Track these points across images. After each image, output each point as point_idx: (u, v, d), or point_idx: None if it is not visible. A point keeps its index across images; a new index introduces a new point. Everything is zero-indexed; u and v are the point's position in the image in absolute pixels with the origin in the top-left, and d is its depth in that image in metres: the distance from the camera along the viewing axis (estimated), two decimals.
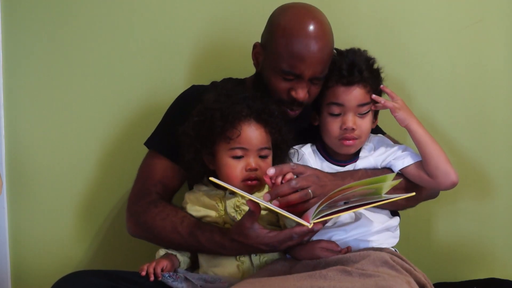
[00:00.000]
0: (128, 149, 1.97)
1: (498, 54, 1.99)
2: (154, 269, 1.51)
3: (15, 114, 2.01)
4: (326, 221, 1.43)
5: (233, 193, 1.56)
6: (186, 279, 1.52)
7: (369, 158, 1.62)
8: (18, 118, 2.02)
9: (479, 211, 2.02)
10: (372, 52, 1.64)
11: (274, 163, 1.57)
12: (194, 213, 1.59)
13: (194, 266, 1.63)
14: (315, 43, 1.56)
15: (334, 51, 1.64)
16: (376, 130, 1.74)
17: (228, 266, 1.54)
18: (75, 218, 2.04)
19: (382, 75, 1.65)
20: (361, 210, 1.55)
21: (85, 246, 2.04)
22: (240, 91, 1.58)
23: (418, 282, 1.38)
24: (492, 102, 2.00)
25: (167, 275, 1.51)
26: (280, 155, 1.60)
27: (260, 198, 1.45)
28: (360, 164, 1.62)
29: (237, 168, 1.53)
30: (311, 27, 1.57)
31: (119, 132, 2.01)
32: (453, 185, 1.57)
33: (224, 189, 1.55)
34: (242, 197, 1.54)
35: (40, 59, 2.00)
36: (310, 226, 1.37)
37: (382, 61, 1.67)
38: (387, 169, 1.62)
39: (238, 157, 1.53)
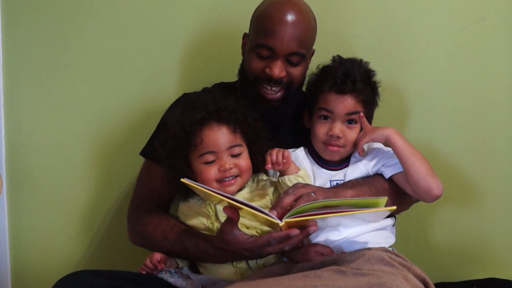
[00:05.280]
0: (128, 149, 1.97)
1: (498, 54, 1.99)
2: (152, 262, 1.52)
3: (15, 114, 2.01)
4: (306, 227, 1.38)
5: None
6: (188, 278, 1.52)
7: (359, 166, 1.63)
8: (18, 118, 2.02)
9: (479, 211, 2.02)
10: (372, 52, 1.64)
11: (253, 157, 1.57)
12: (187, 221, 1.60)
13: (192, 267, 1.63)
14: (287, 18, 1.61)
15: (336, 57, 1.66)
16: None
17: (226, 274, 1.54)
18: (75, 218, 2.04)
19: (385, 81, 1.65)
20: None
21: (85, 246, 2.04)
22: (204, 97, 1.57)
23: (417, 276, 1.37)
24: (492, 102, 2.00)
25: (173, 271, 1.53)
26: (256, 149, 1.58)
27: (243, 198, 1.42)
28: (350, 172, 1.62)
29: (210, 171, 1.52)
30: (286, 6, 1.63)
31: (118, 132, 2.01)
32: (435, 198, 1.58)
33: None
34: (213, 200, 1.51)
35: (40, 59, 2.00)
36: (281, 223, 1.35)
37: (382, 61, 1.67)
38: (379, 176, 1.62)
39: (210, 162, 1.52)
